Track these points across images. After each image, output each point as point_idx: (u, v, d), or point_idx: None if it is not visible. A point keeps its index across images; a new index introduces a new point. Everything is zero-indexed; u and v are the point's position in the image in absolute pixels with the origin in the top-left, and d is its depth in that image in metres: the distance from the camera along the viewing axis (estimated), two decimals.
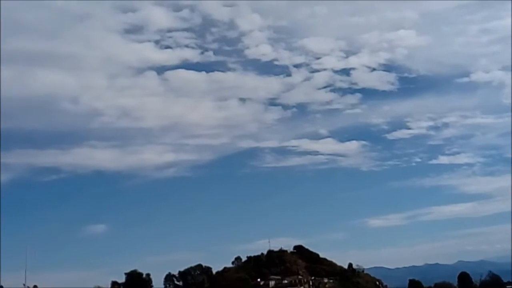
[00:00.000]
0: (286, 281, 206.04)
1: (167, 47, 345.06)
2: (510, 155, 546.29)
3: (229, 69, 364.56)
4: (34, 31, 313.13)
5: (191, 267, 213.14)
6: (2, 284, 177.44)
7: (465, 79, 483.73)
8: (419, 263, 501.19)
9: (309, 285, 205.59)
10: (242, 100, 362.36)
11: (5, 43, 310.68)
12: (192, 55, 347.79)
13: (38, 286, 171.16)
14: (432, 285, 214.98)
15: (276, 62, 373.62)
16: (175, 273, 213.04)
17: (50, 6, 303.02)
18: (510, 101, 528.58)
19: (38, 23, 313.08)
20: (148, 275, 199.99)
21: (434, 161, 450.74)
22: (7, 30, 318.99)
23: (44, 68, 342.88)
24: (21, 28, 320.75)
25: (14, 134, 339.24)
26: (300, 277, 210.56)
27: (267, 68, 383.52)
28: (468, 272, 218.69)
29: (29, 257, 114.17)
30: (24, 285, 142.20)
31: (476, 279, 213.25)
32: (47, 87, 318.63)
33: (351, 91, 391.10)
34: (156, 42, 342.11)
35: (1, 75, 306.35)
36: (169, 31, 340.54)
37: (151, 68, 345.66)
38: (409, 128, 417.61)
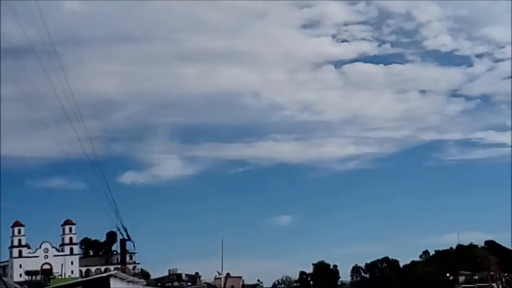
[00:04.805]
0: (476, 277, 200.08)
1: (344, 40, 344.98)
2: None
3: (407, 61, 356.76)
4: (216, 29, 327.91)
5: (378, 260, 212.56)
6: (198, 271, 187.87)
7: None
8: None
9: (502, 281, 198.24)
10: (423, 92, 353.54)
11: (189, 42, 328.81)
12: (369, 48, 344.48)
13: (231, 274, 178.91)
14: None
15: (456, 53, 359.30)
16: (362, 265, 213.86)
17: (230, 5, 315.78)
18: None
19: (219, 21, 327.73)
20: (335, 266, 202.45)
21: None
22: (191, 29, 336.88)
23: (226, 65, 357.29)
24: (204, 27, 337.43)
25: (200, 129, 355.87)
26: (492, 273, 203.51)
27: (447, 59, 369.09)
28: None
29: (223, 246, 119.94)
30: (218, 272, 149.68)
31: None
32: (230, 83, 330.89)
33: None
34: (333, 36, 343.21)
35: (185, 73, 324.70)
36: (345, 24, 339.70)
37: (329, 62, 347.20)
38: None
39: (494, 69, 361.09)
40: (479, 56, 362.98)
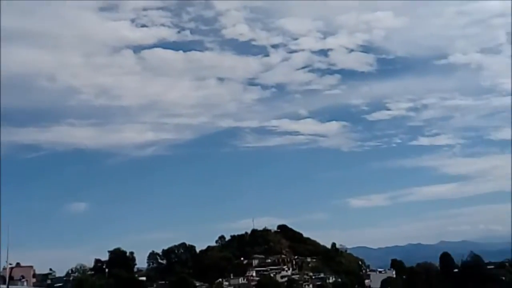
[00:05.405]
0: (269, 260, 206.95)
1: (143, 25, 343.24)
2: (490, 137, 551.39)
3: (206, 49, 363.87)
4: (7, 8, 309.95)
5: (175, 246, 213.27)
6: None
7: (443, 61, 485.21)
8: (402, 243, 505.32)
9: (292, 264, 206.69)
10: (221, 79, 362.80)
11: None
12: (169, 34, 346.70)
13: (21, 264, 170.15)
14: (414, 265, 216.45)
15: (253, 42, 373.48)
16: (159, 251, 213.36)
17: None
18: (489, 84, 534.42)
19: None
20: (131, 253, 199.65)
21: (414, 142, 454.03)
22: None
23: (19, 45, 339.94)
24: None
25: None
26: (283, 256, 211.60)
27: (245, 48, 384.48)
28: (449, 252, 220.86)
29: (11, 235, 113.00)
30: (6, 262, 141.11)
31: (457, 259, 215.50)
32: (23, 65, 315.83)
33: (330, 71, 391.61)
34: (132, 20, 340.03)
35: None
36: (145, 9, 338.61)
37: (128, 46, 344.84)
38: (389, 109, 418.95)
39: (289, 60, 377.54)
40: (275, 46, 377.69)
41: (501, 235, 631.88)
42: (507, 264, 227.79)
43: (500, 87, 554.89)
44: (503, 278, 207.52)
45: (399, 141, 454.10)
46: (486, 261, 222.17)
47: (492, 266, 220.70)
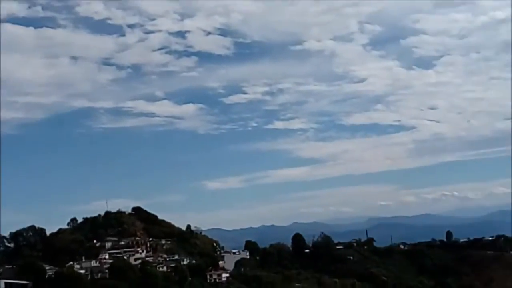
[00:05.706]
0: (123, 243, 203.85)
1: None
2: (341, 122, 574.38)
3: (59, 26, 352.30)
4: None
5: (23, 229, 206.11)
6: None
7: (299, 47, 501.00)
8: (256, 224, 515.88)
9: (146, 246, 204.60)
10: (74, 58, 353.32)
11: None
12: (19, 9, 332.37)
13: None
14: (268, 246, 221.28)
15: (109, 21, 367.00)
16: (6, 234, 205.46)
17: None
18: (341, 70, 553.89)
19: None
20: None
21: (270, 126, 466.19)
22: None
23: None
24: None
25: None
26: (137, 238, 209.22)
27: (100, 27, 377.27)
28: (301, 233, 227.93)
29: None
30: None
31: (309, 240, 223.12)
32: None
33: (187, 54, 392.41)
34: None
35: None
36: None
37: None
38: (245, 93, 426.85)
39: (145, 40, 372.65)
40: (131, 26, 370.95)
41: (350, 216, 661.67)
42: (354, 244, 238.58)
43: (352, 74, 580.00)
44: (351, 257, 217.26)
45: (255, 124, 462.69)
46: (335, 241, 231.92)
47: (341, 247, 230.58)
